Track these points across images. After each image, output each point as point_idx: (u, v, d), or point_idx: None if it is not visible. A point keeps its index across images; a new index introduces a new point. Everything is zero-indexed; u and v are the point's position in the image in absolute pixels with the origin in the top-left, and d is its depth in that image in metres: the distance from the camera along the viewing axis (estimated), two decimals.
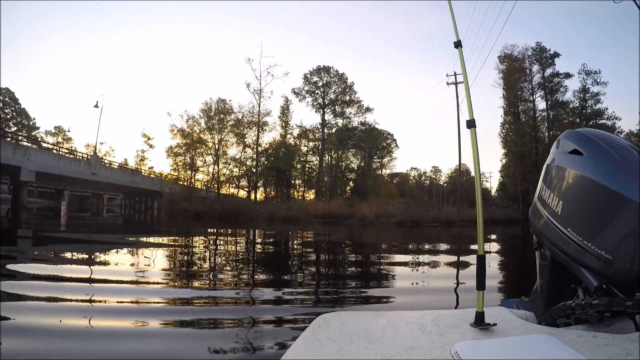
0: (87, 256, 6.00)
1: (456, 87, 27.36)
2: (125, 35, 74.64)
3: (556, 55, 29.00)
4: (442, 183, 51.74)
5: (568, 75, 28.54)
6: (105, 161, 33.79)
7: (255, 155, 29.91)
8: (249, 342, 2.18)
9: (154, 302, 3.07)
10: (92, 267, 4.90)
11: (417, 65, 77.66)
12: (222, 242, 9.49)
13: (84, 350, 1.99)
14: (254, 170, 30.11)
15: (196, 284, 4.00)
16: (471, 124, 1.00)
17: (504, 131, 30.71)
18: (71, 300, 2.99)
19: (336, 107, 33.07)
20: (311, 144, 34.18)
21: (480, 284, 0.86)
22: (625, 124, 34.60)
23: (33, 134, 43.98)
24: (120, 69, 79.21)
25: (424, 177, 51.35)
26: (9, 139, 22.74)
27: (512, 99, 30.13)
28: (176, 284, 3.98)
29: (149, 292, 3.48)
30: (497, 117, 32.62)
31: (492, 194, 40.79)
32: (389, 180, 39.16)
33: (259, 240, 10.57)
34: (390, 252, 8.37)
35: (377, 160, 37.81)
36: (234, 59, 73.62)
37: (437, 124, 76.07)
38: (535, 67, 29.53)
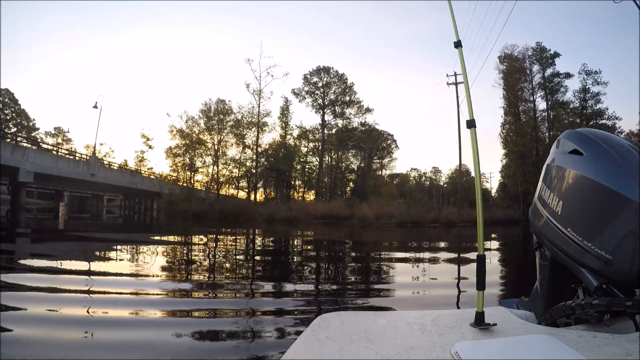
0: (81, 264, 5.99)
1: (456, 87, 27.39)
2: (124, 35, 74.75)
3: (556, 55, 29.05)
4: (442, 184, 51.76)
5: (568, 75, 28.59)
6: (105, 162, 33.79)
7: (255, 156, 29.92)
8: (249, 342, 2.17)
9: (154, 313, 3.05)
10: (90, 276, 4.90)
11: (417, 65, 77.77)
12: (220, 244, 9.48)
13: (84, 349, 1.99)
14: (254, 171, 30.10)
15: (196, 285, 4.00)
16: (471, 124, 1.00)
17: (504, 131, 30.76)
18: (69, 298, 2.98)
19: (336, 108, 33.07)
20: (311, 144, 34.20)
21: (480, 284, 0.86)
22: (626, 124, 34.59)
23: (33, 134, 44.00)
24: (120, 69, 79.22)
25: (424, 178, 51.37)
26: (8, 140, 22.74)
27: (513, 99, 30.15)
28: (174, 289, 3.97)
29: (147, 302, 3.45)
30: (497, 117, 32.67)
31: (492, 195, 40.81)
32: (389, 181, 39.20)
33: (258, 241, 10.57)
34: (391, 252, 8.37)
35: (377, 160, 37.83)
36: (234, 59, 73.56)
37: (437, 125, 76.10)
38: (536, 67, 29.60)
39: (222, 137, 29.78)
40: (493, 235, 12.73)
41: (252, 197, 30.72)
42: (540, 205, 1.05)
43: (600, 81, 27.38)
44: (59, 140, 50.36)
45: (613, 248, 0.83)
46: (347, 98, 33.34)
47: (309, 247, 9.44)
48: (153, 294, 3.39)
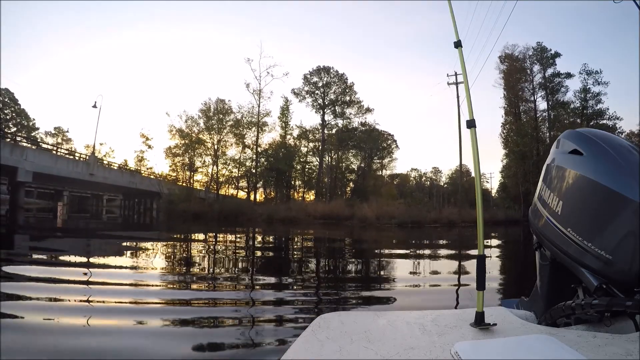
0: (78, 266, 5.99)
1: (457, 87, 27.37)
2: (124, 35, 74.77)
3: (557, 55, 29.05)
4: (442, 184, 51.75)
5: (569, 75, 28.60)
6: (105, 162, 33.77)
7: (254, 155, 29.90)
8: (249, 342, 2.18)
9: (152, 303, 3.07)
10: (88, 277, 4.90)
11: (417, 65, 77.81)
12: (220, 244, 9.48)
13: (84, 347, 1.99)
14: (254, 170, 30.08)
15: (195, 284, 4.00)
16: (471, 124, 1.00)
17: (504, 131, 30.78)
18: (68, 300, 2.99)
19: (336, 108, 33.05)
20: (311, 144, 34.18)
21: (480, 284, 0.86)
22: (626, 124, 34.58)
23: (33, 134, 44.00)
24: (119, 68, 79.32)
25: (424, 178, 51.35)
26: (8, 140, 22.73)
27: (513, 99, 30.16)
28: (174, 285, 3.98)
29: (145, 296, 3.47)
30: (497, 117, 32.72)
31: (493, 195, 40.81)
32: (389, 181, 39.18)
33: (258, 241, 10.57)
34: (391, 252, 8.37)
35: (378, 161, 37.82)
36: (234, 59, 73.64)
37: (438, 125, 76.15)
38: (536, 67, 29.60)
39: (221, 136, 29.79)
40: (493, 237, 12.73)
41: (252, 197, 30.72)
42: (540, 205, 1.05)
43: (601, 81, 27.43)
44: (59, 140, 50.41)
45: (613, 248, 0.83)
46: (347, 98, 33.34)
47: (309, 247, 9.44)
48: (152, 294, 3.39)
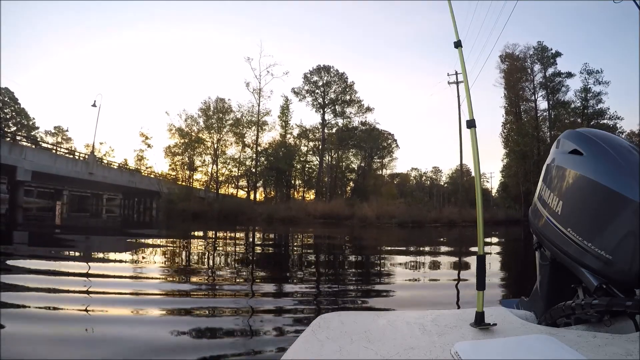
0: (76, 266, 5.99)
1: (457, 87, 27.37)
2: (124, 35, 74.65)
3: (558, 54, 29.01)
4: (442, 183, 51.72)
5: (570, 75, 28.57)
6: (105, 161, 33.76)
7: (254, 155, 29.88)
8: (248, 342, 2.18)
9: (152, 299, 3.07)
10: (88, 278, 4.91)
11: (418, 65, 77.66)
12: (219, 243, 9.48)
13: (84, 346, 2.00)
14: (254, 170, 30.07)
15: (195, 283, 4.00)
16: (471, 124, 1.00)
17: (505, 131, 30.76)
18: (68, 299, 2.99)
19: (336, 107, 33.05)
20: (311, 143, 34.20)
21: (480, 284, 0.86)
22: (627, 124, 34.52)
23: (32, 133, 44.01)
24: (120, 68, 79.12)
25: (424, 178, 51.33)
26: (8, 139, 22.71)
27: (514, 99, 30.13)
28: (173, 285, 3.98)
29: (145, 301, 3.47)
30: (497, 117, 32.69)
31: (493, 195, 40.80)
32: (389, 180, 39.16)
33: (257, 240, 10.57)
34: (391, 252, 8.37)
35: (378, 160, 37.80)
36: (233, 58, 73.29)
37: (438, 124, 75.90)
38: (537, 67, 29.57)
39: (221, 135, 29.79)
40: (494, 235, 12.73)
41: (252, 196, 30.72)
42: (540, 205, 1.05)
43: (601, 81, 27.39)
44: (59, 140, 50.43)
45: (613, 248, 0.83)
46: (348, 97, 33.34)
47: (308, 247, 9.45)
48: (151, 294, 3.39)
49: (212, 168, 30.14)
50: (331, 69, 33.36)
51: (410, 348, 0.70)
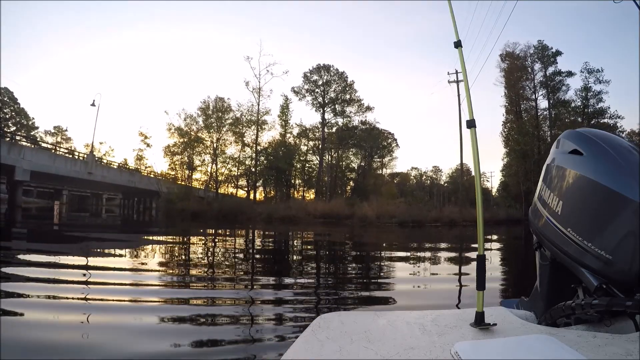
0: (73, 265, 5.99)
1: (457, 86, 27.35)
2: (124, 35, 74.70)
3: (558, 53, 28.96)
4: (442, 183, 51.74)
5: (570, 74, 28.52)
6: (105, 161, 33.73)
7: (254, 154, 29.85)
8: (248, 342, 2.18)
9: (152, 301, 3.08)
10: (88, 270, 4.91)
11: (417, 65, 77.66)
12: (219, 243, 9.48)
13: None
14: (253, 169, 30.04)
15: (194, 284, 4.00)
16: (471, 124, 1.00)
17: (505, 130, 30.73)
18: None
19: (336, 106, 33.03)
20: (311, 143, 34.20)
21: (480, 284, 0.86)
22: (628, 123, 34.45)
23: (32, 133, 43.99)
24: (119, 68, 79.27)
25: (424, 177, 51.32)
26: (7, 139, 22.67)
27: (514, 98, 30.10)
28: (173, 284, 3.99)
29: (146, 297, 3.48)
30: (498, 116, 32.71)
31: (493, 194, 40.79)
32: (389, 179, 39.16)
33: (257, 240, 10.57)
34: (391, 252, 8.37)
35: (378, 159, 37.81)
36: (233, 57, 73.39)
37: (438, 124, 76.04)
38: (537, 66, 29.55)
39: (220, 135, 29.75)
40: (494, 235, 12.73)
41: (252, 196, 30.71)
42: (540, 205, 1.05)
43: (602, 80, 27.36)
44: (59, 139, 50.41)
45: (613, 248, 0.83)
46: (348, 96, 33.33)
47: (308, 247, 9.45)
48: (150, 294, 3.39)
49: (211, 167, 30.17)
50: (331, 68, 33.37)
51: (410, 348, 0.70)
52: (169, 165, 31.04)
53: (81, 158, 28.19)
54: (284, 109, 32.71)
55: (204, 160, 30.60)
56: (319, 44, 70.25)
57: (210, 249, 7.54)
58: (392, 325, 0.83)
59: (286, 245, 9.65)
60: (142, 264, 5.26)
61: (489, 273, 4.50)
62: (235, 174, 30.78)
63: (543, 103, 29.62)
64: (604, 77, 27.33)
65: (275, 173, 30.77)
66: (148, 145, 31.24)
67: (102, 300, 3.07)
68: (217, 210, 23.04)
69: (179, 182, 29.58)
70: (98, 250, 6.74)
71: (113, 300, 3.10)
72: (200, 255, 6.52)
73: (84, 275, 4.07)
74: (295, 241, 10.54)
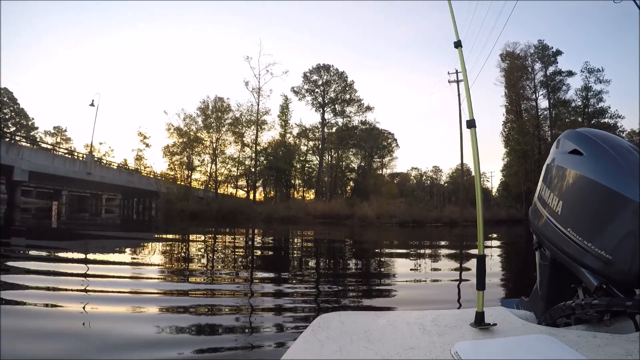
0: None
1: (458, 85, 27.29)
2: (124, 35, 74.65)
3: (558, 53, 28.95)
4: (443, 183, 51.75)
5: (570, 74, 28.49)
6: (104, 161, 33.69)
7: (254, 154, 29.84)
8: (248, 342, 2.18)
9: (151, 296, 3.08)
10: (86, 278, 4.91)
11: (417, 65, 77.63)
12: (218, 243, 9.48)
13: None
14: (253, 169, 30.02)
15: (193, 283, 4.00)
16: (471, 124, 1.01)
17: (505, 130, 30.71)
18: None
19: (336, 106, 33.00)
20: (311, 143, 34.17)
21: (480, 284, 0.86)
22: (628, 123, 34.44)
23: (32, 134, 43.97)
24: (119, 68, 79.14)
25: (424, 177, 51.32)
26: (7, 139, 22.65)
27: (514, 97, 30.09)
28: (172, 283, 3.98)
29: (144, 300, 3.48)
30: (498, 116, 32.66)
31: (493, 194, 40.78)
32: (389, 180, 39.14)
33: (256, 240, 10.57)
34: (391, 252, 8.37)
35: (378, 160, 37.78)
36: (233, 58, 73.58)
37: (438, 124, 75.87)
38: (538, 65, 29.53)
39: (220, 135, 29.74)
40: (494, 235, 12.74)
41: (251, 196, 30.69)
42: (540, 205, 1.05)
43: (602, 79, 27.35)
44: (58, 140, 50.39)
45: (613, 248, 0.83)
46: (347, 96, 33.31)
47: (308, 247, 9.45)
48: (150, 293, 3.39)
49: (211, 167, 30.16)
50: (331, 68, 33.36)
51: (410, 348, 0.70)
52: (168, 165, 31.08)
53: (80, 158, 28.16)
54: (284, 109, 32.72)
55: (203, 160, 30.65)
56: (319, 44, 70.31)
57: (210, 249, 7.54)
58: (392, 325, 0.83)
59: (286, 245, 9.65)
60: (141, 264, 5.26)
61: (489, 273, 4.49)
62: (235, 174, 30.79)
63: (543, 103, 29.67)
64: (604, 76, 27.38)
65: (275, 173, 30.74)
66: (147, 145, 31.25)
67: (101, 291, 3.07)
68: (217, 211, 23.02)
69: (178, 183, 29.58)
70: (96, 253, 6.73)
71: (112, 301, 3.10)
72: (199, 255, 6.51)
73: (83, 278, 4.07)
74: (295, 241, 10.54)
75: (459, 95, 27.40)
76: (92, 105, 27.79)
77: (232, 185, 31.38)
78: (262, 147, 30.69)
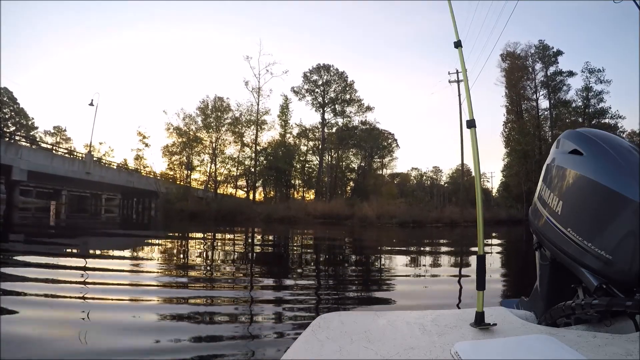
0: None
1: (458, 85, 27.27)
2: (124, 35, 74.61)
3: (559, 53, 28.93)
4: (443, 183, 51.75)
5: (571, 74, 28.45)
6: (104, 161, 33.66)
7: (253, 154, 29.81)
8: (248, 342, 2.18)
9: (151, 300, 3.08)
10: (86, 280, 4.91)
11: (417, 65, 77.65)
12: (218, 243, 9.47)
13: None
14: (253, 169, 30.00)
15: (193, 284, 4.00)
16: (471, 124, 1.00)
17: (506, 130, 30.69)
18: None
19: (336, 106, 32.98)
20: (311, 143, 34.16)
21: (480, 284, 0.86)
22: (628, 123, 34.43)
23: (31, 133, 43.98)
24: (119, 68, 79.07)
25: (424, 177, 51.31)
26: (7, 139, 22.62)
27: (515, 97, 30.07)
28: (171, 283, 3.98)
29: (144, 302, 3.48)
30: (498, 116, 32.71)
31: (493, 194, 40.76)
32: (389, 180, 39.13)
33: (256, 241, 10.57)
34: (391, 252, 8.37)
35: (378, 160, 37.76)
36: (233, 57, 73.67)
37: (438, 124, 75.91)
38: (538, 65, 29.52)
39: (220, 135, 29.71)
40: (494, 234, 12.73)
41: (251, 196, 30.68)
42: (540, 205, 1.05)
43: (603, 79, 27.32)
44: (58, 139, 50.39)
45: (613, 248, 0.83)
46: (348, 96, 33.29)
47: (308, 247, 9.45)
48: (149, 304, 3.39)
49: (210, 167, 30.13)
50: (331, 68, 33.33)
51: (410, 348, 0.70)
52: (168, 165, 31.07)
53: (79, 158, 28.13)
54: (284, 109, 32.69)
55: (202, 160, 30.64)
56: (319, 44, 70.29)
57: (209, 249, 7.54)
58: (392, 325, 0.83)
59: (286, 245, 9.65)
60: (141, 264, 5.26)
61: (489, 273, 4.50)
62: (235, 174, 30.77)
63: (544, 103, 29.65)
64: (604, 77, 27.36)
65: (275, 173, 30.72)
66: (147, 145, 31.24)
67: (101, 299, 3.07)
68: (216, 211, 23.00)
69: (178, 182, 29.55)
70: (96, 251, 6.73)
71: (112, 299, 3.10)
72: (199, 255, 6.51)
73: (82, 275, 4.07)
74: (295, 241, 10.54)
75: (459, 95, 27.42)
76: (91, 105, 27.75)
77: (232, 185, 31.40)
78: (262, 147, 30.71)
